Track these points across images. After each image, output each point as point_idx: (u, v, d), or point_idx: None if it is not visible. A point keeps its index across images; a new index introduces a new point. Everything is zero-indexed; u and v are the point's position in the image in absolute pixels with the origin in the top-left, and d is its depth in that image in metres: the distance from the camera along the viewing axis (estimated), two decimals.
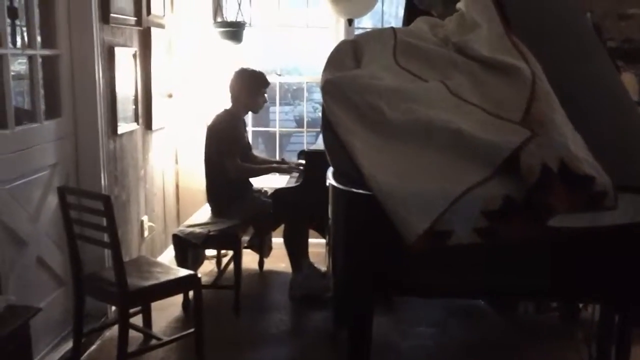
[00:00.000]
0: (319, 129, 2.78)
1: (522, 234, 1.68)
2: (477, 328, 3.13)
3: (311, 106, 7.19)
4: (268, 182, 3.96)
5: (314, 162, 3.20)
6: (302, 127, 4.85)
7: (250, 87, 3.57)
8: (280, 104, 5.19)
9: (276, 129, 4.79)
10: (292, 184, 3.43)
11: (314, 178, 3.08)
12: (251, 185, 3.71)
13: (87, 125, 2.99)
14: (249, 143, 3.84)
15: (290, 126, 7.79)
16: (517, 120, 1.78)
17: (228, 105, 3.62)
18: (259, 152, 4.40)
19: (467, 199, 1.69)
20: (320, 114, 2.26)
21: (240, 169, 3.46)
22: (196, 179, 4.16)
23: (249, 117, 4.32)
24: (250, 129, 4.52)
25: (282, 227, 3.62)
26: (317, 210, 2.57)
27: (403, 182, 1.78)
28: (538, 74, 1.86)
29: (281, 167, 3.68)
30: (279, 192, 3.37)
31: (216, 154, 3.46)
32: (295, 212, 3.34)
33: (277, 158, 4.19)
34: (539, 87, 1.82)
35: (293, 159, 4.13)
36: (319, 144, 3.21)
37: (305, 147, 4.34)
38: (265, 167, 3.63)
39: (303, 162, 3.50)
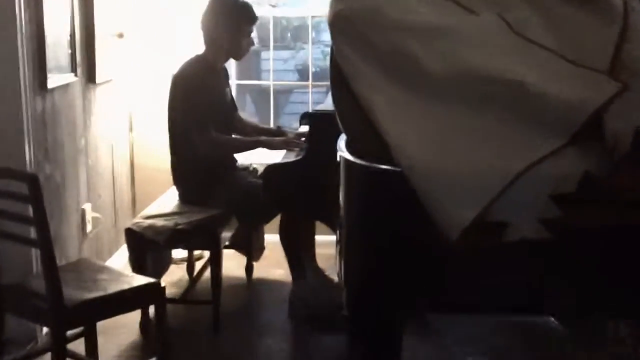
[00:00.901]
0: (328, 84, 2.77)
1: (605, 224, 1.72)
2: (544, 354, 3.15)
3: (319, 51, 7.18)
4: (258, 157, 3.99)
5: (321, 128, 3.21)
6: (307, 80, 4.87)
7: (232, 23, 3.59)
8: (276, 48, 5.21)
9: (270, 82, 4.80)
10: (291, 158, 3.47)
11: (320, 150, 3.07)
12: (235, 160, 3.75)
13: (3, 78, 3.01)
14: (233, 103, 3.86)
15: (290, 79, 7.73)
16: (603, 68, 1.80)
17: (200, 49, 3.66)
18: (246, 115, 4.42)
19: (531, 178, 1.72)
20: (329, 62, 2.26)
21: (215, 144, 3.52)
22: (158, 152, 4.20)
23: (231, 66, 4.32)
24: (233, 82, 4.52)
25: (277, 219, 3.63)
26: (325, 194, 2.60)
27: (443, 155, 1.82)
28: (632, 4, 1.87)
29: (274, 141, 3.67)
30: (272, 169, 3.38)
31: (182, 123, 3.51)
32: (295, 197, 3.35)
33: (272, 125, 4.23)
34: (633, 22, 1.84)
35: (294, 124, 4.15)
36: (328, 104, 3.20)
37: (310, 109, 4.36)
38: (247, 142, 3.69)
39: (306, 129, 3.54)
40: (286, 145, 3.62)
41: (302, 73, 7.22)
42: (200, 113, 3.46)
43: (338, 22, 2.11)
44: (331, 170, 2.19)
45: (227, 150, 3.65)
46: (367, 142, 2.00)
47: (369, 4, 2.11)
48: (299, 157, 3.40)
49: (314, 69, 4.88)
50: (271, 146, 3.68)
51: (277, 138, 3.72)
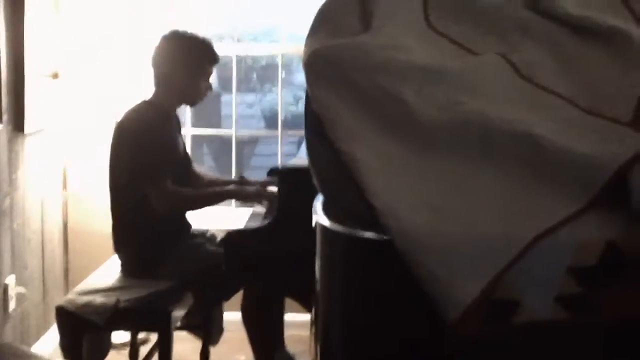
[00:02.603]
0: (302, 133, 2.79)
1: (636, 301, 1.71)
2: None
3: (291, 95, 7.28)
4: (217, 220, 4.02)
5: (292, 187, 3.24)
6: (275, 128, 4.90)
7: (190, 63, 3.62)
8: (240, 91, 5.26)
9: (232, 131, 4.84)
10: (257, 224, 3.46)
11: (292, 213, 3.10)
12: (188, 224, 3.75)
13: None
14: (186, 154, 3.87)
15: (255, 127, 7.90)
16: (625, 119, 1.82)
17: (149, 93, 3.67)
18: (204, 169, 4.42)
19: (545, 247, 1.72)
20: (304, 108, 2.27)
21: (174, 197, 3.52)
22: (97, 213, 4.20)
23: (184, 112, 4.37)
24: (188, 130, 4.56)
25: (239, 295, 3.65)
26: (297, 266, 2.61)
27: (441, 219, 1.81)
28: None
29: (241, 191, 3.71)
30: (234, 236, 3.39)
31: (131, 175, 3.50)
32: (261, 270, 3.36)
33: (234, 177, 4.25)
34: None
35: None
36: (302, 157, 3.25)
37: (279, 163, 4.41)
38: (214, 193, 3.70)
39: (275, 186, 3.57)
40: (260, 197, 3.64)
41: (270, 120, 7.41)
42: (155, 160, 3.46)
43: (315, 61, 2.12)
44: (305, 237, 2.19)
45: (189, 205, 3.63)
46: (348, 204, 1.99)
47: (352, 42, 2.13)
48: (267, 222, 3.40)
49: (284, 116, 4.94)
50: (243, 197, 3.70)
51: (250, 187, 3.72)
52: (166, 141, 3.56)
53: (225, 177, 4.10)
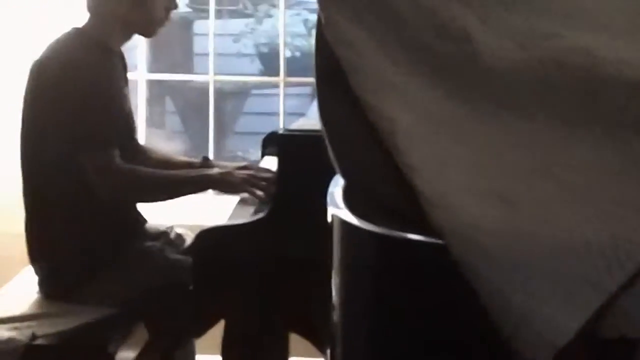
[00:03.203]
0: (311, 82, 2.78)
1: None
2: None
3: (299, 20, 7.21)
4: (185, 213, 4.11)
5: (299, 163, 3.29)
6: (275, 73, 4.96)
7: None
8: (221, 16, 5.29)
9: (209, 76, 4.91)
10: (245, 219, 3.51)
11: (296, 202, 3.19)
12: (142, 219, 3.83)
13: None
14: (130, 114, 3.90)
15: (245, 71, 7.76)
16: None
17: (81, 20, 3.71)
18: (164, 139, 4.44)
19: None
20: (314, 44, 2.28)
21: (124, 177, 3.56)
22: (2, 203, 4.26)
23: (134, 48, 4.43)
24: (140, 75, 4.64)
25: (218, 328, 3.61)
26: (303, 285, 2.76)
27: (517, 216, 1.83)
28: None
29: (232, 176, 3.68)
30: (210, 237, 3.41)
31: (55, 142, 3.53)
32: (250, 289, 3.38)
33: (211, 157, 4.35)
34: None
35: (253, 153, 4.33)
36: (311, 119, 3.27)
37: (280, 126, 4.51)
38: (185, 178, 3.76)
39: (273, 163, 3.63)
40: (250, 184, 3.64)
41: (268, 61, 7.29)
42: (93, 119, 3.51)
43: None
44: (315, 240, 2.18)
45: (146, 191, 3.69)
46: (381, 190, 2.02)
47: None
48: (258, 216, 3.43)
49: (288, 54, 4.95)
50: (227, 185, 3.74)
51: (239, 171, 3.74)
52: (109, 90, 3.62)
53: (182, 158, 4.21)
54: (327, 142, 2.14)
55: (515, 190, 1.86)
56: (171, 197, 3.71)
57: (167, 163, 3.99)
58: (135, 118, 3.99)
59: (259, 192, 3.61)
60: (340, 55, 2.08)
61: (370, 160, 2.04)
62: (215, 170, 3.77)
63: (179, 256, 3.67)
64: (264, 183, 3.61)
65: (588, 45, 1.92)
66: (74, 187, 3.50)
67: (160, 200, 3.75)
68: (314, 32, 2.21)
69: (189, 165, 4.00)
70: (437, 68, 2.01)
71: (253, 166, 3.87)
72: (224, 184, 3.73)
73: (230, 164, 3.97)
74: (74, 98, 3.50)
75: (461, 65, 1.99)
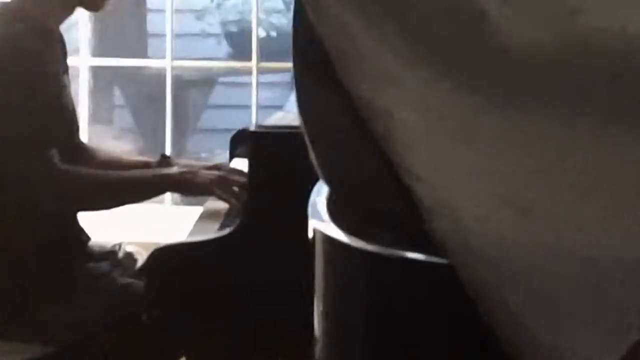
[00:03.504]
0: (290, 68, 2.71)
1: None
2: None
3: None
4: (137, 228, 4.34)
5: (273, 166, 3.29)
6: (247, 58, 5.18)
7: None
8: None
9: (167, 61, 4.97)
10: (210, 235, 3.43)
11: (270, 212, 3.22)
12: (84, 236, 3.67)
13: None
14: (72, 111, 3.80)
15: (210, 55, 7.96)
16: None
17: None
18: (111, 137, 4.42)
19: None
20: (292, 26, 2.15)
21: (66, 181, 3.48)
22: None
23: (75, 28, 4.29)
24: (83, 61, 4.51)
25: None
26: (281, 312, 2.86)
27: (535, 228, 1.66)
28: None
29: (187, 179, 3.57)
30: (167, 257, 3.33)
31: None
32: (217, 320, 3.31)
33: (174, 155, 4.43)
34: None
35: (218, 155, 4.27)
36: (289, 113, 3.43)
37: (252, 123, 4.65)
38: (139, 179, 3.70)
39: (241, 164, 3.66)
40: (220, 187, 3.52)
41: (238, 44, 7.46)
42: (29, 116, 3.46)
43: None
44: (294, 258, 2.05)
45: (91, 197, 3.62)
46: (374, 200, 1.84)
47: None
48: (225, 231, 3.38)
49: (262, 34, 5.06)
50: (191, 186, 3.64)
51: (206, 171, 3.65)
52: (44, 80, 3.55)
53: (136, 158, 4.21)
54: (307, 142, 1.91)
55: (533, 198, 1.67)
56: (123, 203, 3.67)
57: (117, 164, 3.94)
58: (77, 113, 3.95)
59: (232, 199, 3.54)
60: (326, 39, 1.82)
61: (360, 165, 1.87)
62: (176, 169, 3.67)
63: (129, 280, 3.59)
64: (236, 189, 3.54)
65: (618, 23, 1.69)
66: (4, 201, 3.49)
67: (110, 207, 3.69)
68: (290, 8, 2.21)
69: (144, 165, 3.92)
70: (445, 58, 1.76)
71: (224, 166, 3.79)
72: (188, 185, 3.65)
73: (196, 164, 3.99)
74: (4, 90, 3.49)
75: (473, 51, 1.74)
